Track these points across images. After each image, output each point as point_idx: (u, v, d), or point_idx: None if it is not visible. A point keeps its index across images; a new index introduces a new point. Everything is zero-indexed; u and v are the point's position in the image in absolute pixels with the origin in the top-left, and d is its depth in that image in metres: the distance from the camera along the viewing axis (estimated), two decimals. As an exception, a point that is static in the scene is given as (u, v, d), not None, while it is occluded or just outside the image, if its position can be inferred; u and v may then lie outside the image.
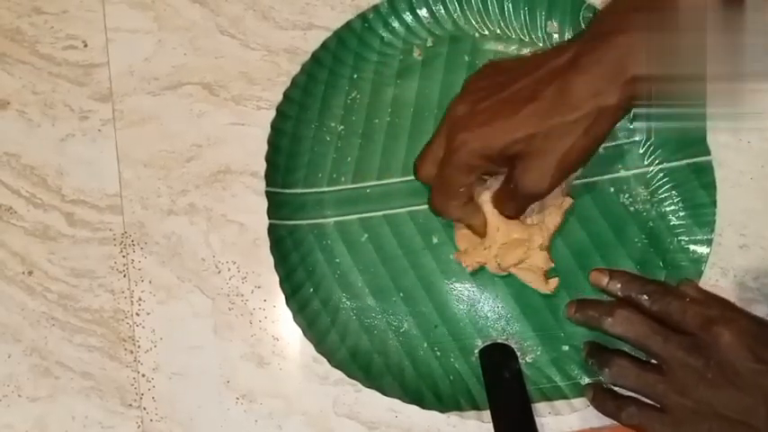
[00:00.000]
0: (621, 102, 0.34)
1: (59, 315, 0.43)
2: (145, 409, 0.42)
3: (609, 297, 0.40)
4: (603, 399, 0.39)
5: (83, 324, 0.43)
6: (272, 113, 0.44)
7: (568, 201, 0.42)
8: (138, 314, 0.43)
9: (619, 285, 0.39)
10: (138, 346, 0.43)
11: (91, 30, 0.46)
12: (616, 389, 0.40)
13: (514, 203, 0.39)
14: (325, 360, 0.42)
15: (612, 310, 0.38)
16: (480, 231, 0.41)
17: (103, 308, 0.43)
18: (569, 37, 0.45)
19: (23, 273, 0.44)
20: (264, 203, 0.43)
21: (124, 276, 0.44)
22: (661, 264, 0.43)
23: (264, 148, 0.44)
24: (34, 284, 0.44)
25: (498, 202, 0.40)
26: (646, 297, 0.39)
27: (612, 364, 0.38)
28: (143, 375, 0.43)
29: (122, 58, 0.46)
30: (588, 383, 0.41)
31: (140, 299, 0.43)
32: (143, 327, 0.43)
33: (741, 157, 0.44)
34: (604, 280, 0.40)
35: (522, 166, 0.37)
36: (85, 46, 0.46)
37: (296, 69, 0.44)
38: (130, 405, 0.42)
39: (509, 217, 0.40)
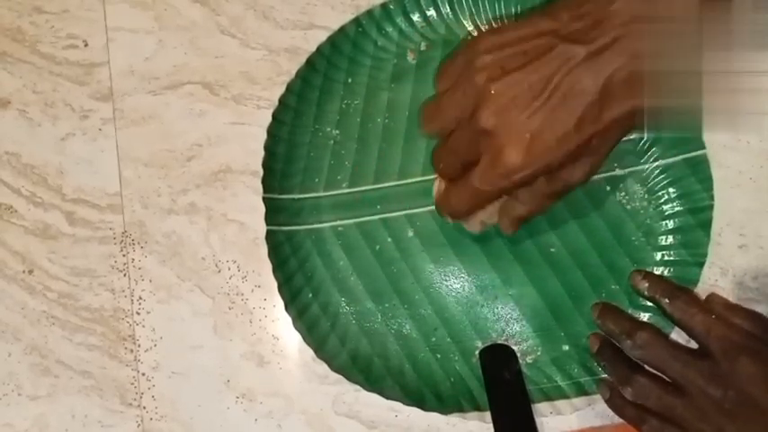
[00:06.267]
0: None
1: (59, 314, 0.43)
2: (145, 407, 0.42)
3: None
4: (622, 403, 0.39)
5: (83, 323, 0.43)
6: (272, 113, 0.44)
7: None
8: (138, 313, 0.43)
9: (647, 284, 0.40)
10: (138, 345, 0.43)
11: (91, 29, 0.46)
12: None
13: (551, 200, 0.37)
14: (324, 359, 0.42)
15: (633, 331, 0.38)
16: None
17: (103, 307, 0.43)
18: None
19: (24, 272, 0.44)
20: (265, 203, 0.43)
21: (124, 275, 0.44)
22: (659, 261, 0.43)
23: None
24: (34, 283, 0.44)
25: (533, 201, 0.37)
26: (667, 301, 0.39)
27: (633, 382, 0.38)
28: (143, 374, 0.43)
29: (123, 57, 0.46)
30: (603, 381, 0.41)
31: (140, 298, 0.43)
32: (143, 326, 0.43)
33: (741, 157, 0.44)
34: (638, 277, 0.41)
35: (572, 165, 0.35)
36: (86, 45, 0.46)
37: (296, 69, 0.45)
38: (130, 404, 0.42)
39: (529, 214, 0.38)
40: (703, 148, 0.43)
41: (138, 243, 0.44)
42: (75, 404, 0.42)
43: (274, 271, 0.42)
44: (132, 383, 0.43)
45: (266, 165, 0.43)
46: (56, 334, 0.43)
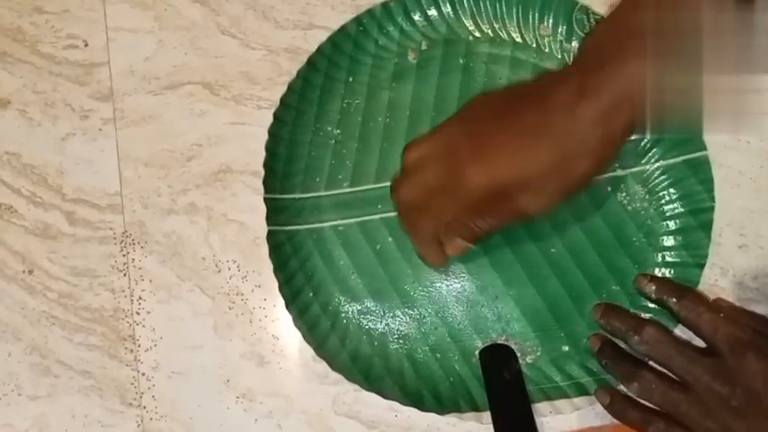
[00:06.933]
0: (627, 130, 0.34)
1: (59, 314, 0.43)
2: (145, 407, 0.42)
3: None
4: (624, 407, 0.39)
5: (83, 323, 0.43)
6: (272, 113, 0.44)
7: None
8: (138, 313, 0.43)
9: (654, 288, 0.40)
10: (139, 345, 0.43)
11: (92, 29, 0.46)
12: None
13: (499, 221, 0.38)
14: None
15: (639, 327, 0.38)
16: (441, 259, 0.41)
17: (104, 307, 0.43)
18: (561, 38, 0.45)
19: (24, 272, 0.44)
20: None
21: (124, 275, 0.44)
22: (660, 262, 0.43)
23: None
24: (34, 283, 0.44)
25: (478, 219, 0.38)
26: (674, 300, 0.39)
27: (639, 378, 0.38)
28: (143, 374, 0.43)
29: (123, 57, 0.46)
30: (601, 387, 0.40)
31: (140, 298, 0.43)
32: (143, 326, 0.43)
33: (741, 157, 0.44)
34: (644, 281, 0.41)
35: (526, 191, 0.36)
36: (86, 45, 0.46)
37: (297, 69, 0.45)
38: (130, 404, 0.42)
39: (477, 234, 0.39)
40: (704, 149, 0.43)
41: (139, 243, 0.44)
42: (75, 404, 0.42)
43: (275, 271, 0.42)
44: (132, 383, 0.43)
45: (267, 165, 0.43)
46: (56, 334, 0.43)
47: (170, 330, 0.43)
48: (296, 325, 0.41)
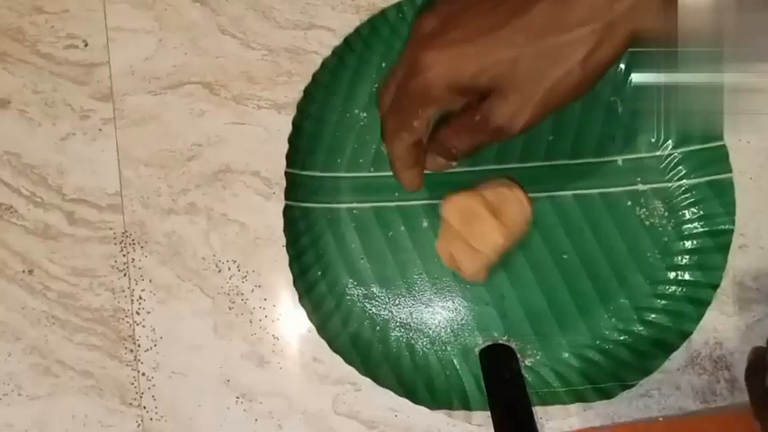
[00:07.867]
0: (630, 24, 0.28)
1: (60, 314, 0.43)
2: (145, 407, 0.42)
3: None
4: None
5: (83, 323, 0.43)
6: (272, 113, 0.45)
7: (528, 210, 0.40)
8: (138, 313, 0.43)
9: None
10: (139, 345, 0.43)
11: (92, 29, 0.46)
12: None
13: (471, 137, 0.32)
14: (324, 359, 0.42)
15: None
16: (412, 182, 0.36)
17: (104, 307, 0.43)
18: None
19: (24, 272, 0.44)
20: (265, 203, 0.44)
21: (124, 275, 0.44)
22: (672, 280, 0.43)
23: (265, 147, 0.44)
24: (34, 283, 0.44)
25: (450, 135, 0.32)
26: None
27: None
28: (143, 374, 0.43)
29: (123, 57, 0.46)
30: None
31: (141, 298, 0.43)
32: (143, 326, 0.43)
33: (741, 157, 0.44)
34: None
35: (497, 95, 0.29)
36: (86, 45, 0.46)
37: (297, 69, 0.45)
38: (130, 404, 0.42)
39: (453, 153, 0.33)
40: (730, 171, 0.42)
41: (139, 243, 0.44)
42: (75, 404, 0.42)
43: (287, 246, 0.42)
44: (132, 383, 0.43)
45: (291, 140, 0.43)
46: (56, 334, 0.43)
47: (170, 330, 0.43)
48: (301, 302, 0.42)
